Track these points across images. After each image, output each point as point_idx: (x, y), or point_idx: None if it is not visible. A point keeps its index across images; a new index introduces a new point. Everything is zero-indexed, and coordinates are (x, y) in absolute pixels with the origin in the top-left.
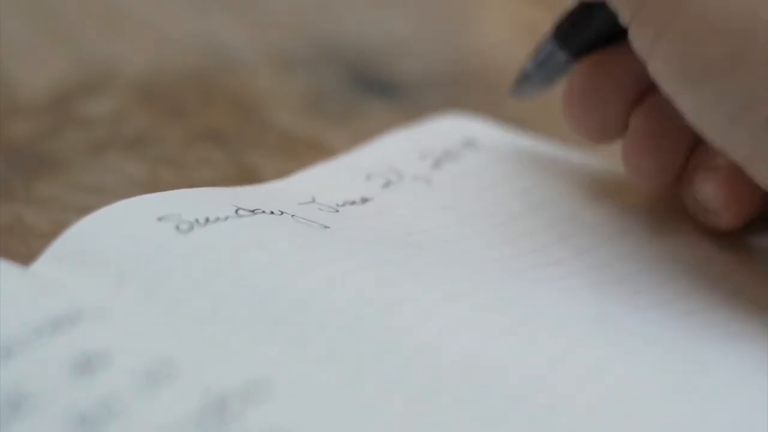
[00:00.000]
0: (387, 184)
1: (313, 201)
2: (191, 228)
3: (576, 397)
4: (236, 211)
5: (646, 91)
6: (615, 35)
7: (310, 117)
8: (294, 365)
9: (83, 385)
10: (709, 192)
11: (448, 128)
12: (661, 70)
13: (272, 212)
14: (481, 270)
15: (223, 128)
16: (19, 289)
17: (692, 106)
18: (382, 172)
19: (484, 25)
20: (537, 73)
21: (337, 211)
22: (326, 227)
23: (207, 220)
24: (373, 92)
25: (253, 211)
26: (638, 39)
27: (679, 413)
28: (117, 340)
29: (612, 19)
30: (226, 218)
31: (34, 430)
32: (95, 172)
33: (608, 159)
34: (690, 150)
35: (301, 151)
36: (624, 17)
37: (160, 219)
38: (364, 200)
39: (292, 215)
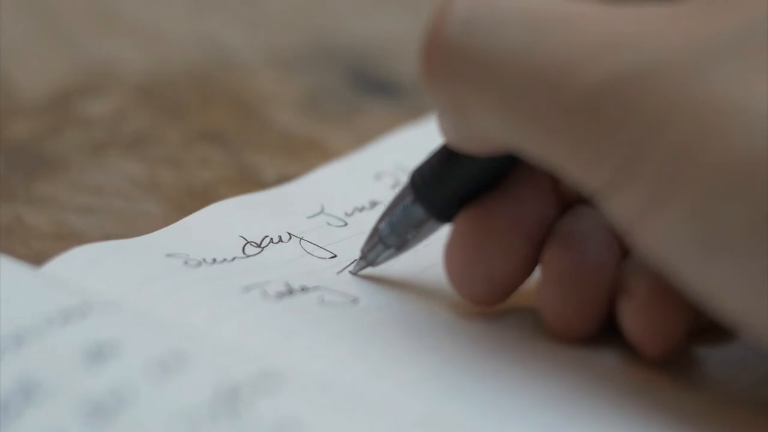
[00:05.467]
0: (396, 184)
1: (322, 211)
2: (199, 265)
3: None
4: (243, 248)
5: (543, 235)
6: (487, 184)
7: (310, 117)
8: (307, 361)
9: (95, 374)
10: (626, 325)
11: None
12: (662, 239)
13: (280, 238)
14: None
15: (223, 128)
16: (30, 283)
17: (712, 277)
18: (391, 172)
19: None
20: (391, 236)
21: (346, 224)
22: (333, 256)
23: (214, 260)
24: (373, 92)
25: (260, 243)
26: (623, 206)
27: None
28: (128, 330)
29: (483, 166)
30: (233, 259)
31: (47, 417)
32: (95, 172)
33: None
34: (612, 287)
35: (301, 151)
36: (592, 181)
37: (168, 255)
38: (374, 204)
39: (300, 239)
